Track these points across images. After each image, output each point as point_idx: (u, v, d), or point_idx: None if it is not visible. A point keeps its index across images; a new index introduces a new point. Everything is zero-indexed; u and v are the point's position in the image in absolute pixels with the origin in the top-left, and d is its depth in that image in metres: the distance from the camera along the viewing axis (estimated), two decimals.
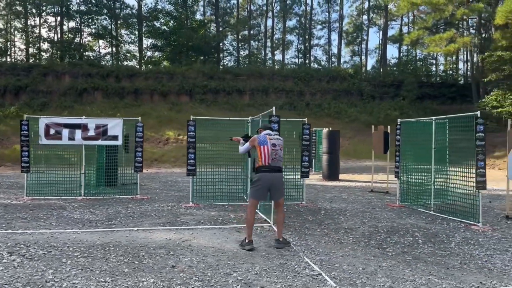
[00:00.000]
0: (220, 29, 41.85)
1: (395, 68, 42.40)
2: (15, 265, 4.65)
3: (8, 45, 37.53)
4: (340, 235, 6.38)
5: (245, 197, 9.53)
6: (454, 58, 41.70)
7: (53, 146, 10.63)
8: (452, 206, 7.98)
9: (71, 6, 38.32)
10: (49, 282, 4.12)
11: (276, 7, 46.09)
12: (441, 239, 6.18)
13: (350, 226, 7.01)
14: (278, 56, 47.48)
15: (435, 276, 4.50)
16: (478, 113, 7.17)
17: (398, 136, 9.54)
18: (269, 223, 7.04)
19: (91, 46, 39.93)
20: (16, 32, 38.38)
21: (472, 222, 7.20)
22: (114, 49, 40.60)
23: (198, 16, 43.27)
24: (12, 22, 37.88)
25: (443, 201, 8.37)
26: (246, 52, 44.62)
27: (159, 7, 40.93)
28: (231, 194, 9.58)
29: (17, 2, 36.62)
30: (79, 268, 4.55)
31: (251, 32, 43.66)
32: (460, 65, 47.85)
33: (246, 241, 5.46)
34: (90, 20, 38.74)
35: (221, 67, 40.51)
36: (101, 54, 40.39)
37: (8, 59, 36.52)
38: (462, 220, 7.45)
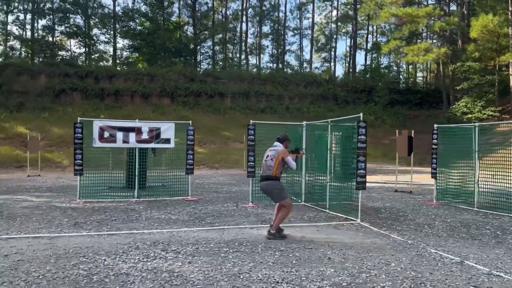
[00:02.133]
0: (197, 32, 41.84)
1: (367, 75, 44.39)
2: (184, 260, 4.89)
3: None
4: (427, 229, 7.07)
5: (295, 198, 10.03)
6: (423, 66, 44.32)
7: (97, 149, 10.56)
8: (495, 203, 8.97)
9: (42, 3, 36.73)
10: (242, 274, 4.44)
11: (250, 12, 46.87)
12: None
13: (425, 222, 7.73)
14: (252, 60, 48.29)
15: None
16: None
17: (435, 140, 10.45)
18: (355, 220, 7.59)
19: (63, 45, 38.47)
20: None
21: None
22: (86, 49, 39.41)
23: (174, 18, 42.98)
24: None
25: (485, 199, 9.35)
26: (222, 55, 44.90)
27: (135, 7, 40.13)
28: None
29: None
30: (256, 261, 4.87)
31: (227, 36, 44.00)
32: (420, 73, 51.27)
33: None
34: (63, 19, 37.30)
35: (198, 69, 40.54)
36: (75, 53, 39.05)
37: None
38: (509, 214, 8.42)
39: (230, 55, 46.24)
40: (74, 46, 39.76)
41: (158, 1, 40.45)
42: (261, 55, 47.31)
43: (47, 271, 4.46)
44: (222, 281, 4.23)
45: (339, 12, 49.41)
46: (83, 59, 38.46)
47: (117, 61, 39.07)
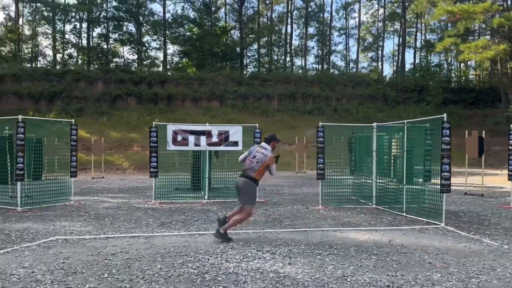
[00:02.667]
0: (244, 36, 42.30)
1: (417, 74, 43.11)
2: (283, 261, 4.97)
3: (36, 51, 37.61)
4: None
5: (365, 201, 9.91)
6: (476, 64, 42.46)
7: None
8: None
9: (97, 12, 38.55)
10: (347, 277, 4.46)
11: (295, 14, 46.80)
12: None
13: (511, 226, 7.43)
14: (297, 62, 48.21)
15: None
16: None
17: None
18: (439, 224, 7.40)
19: (117, 52, 40.14)
20: (43, 38, 38.48)
21: None
22: (138, 55, 40.89)
23: (221, 23, 43.68)
24: (38, 28, 38.06)
25: None
26: (267, 58, 45.12)
27: (184, 13, 41.20)
28: (358, 197, 9.97)
29: (44, 8, 36.83)
30: (355, 264, 4.88)
31: (273, 38, 44.17)
32: (472, 71, 49.06)
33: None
34: (117, 27, 38.94)
35: (245, 72, 41.00)
36: (129, 60, 40.63)
37: (39, 65, 36.61)
38: None
39: (276, 57, 46.40)
40: (127, 53, 41.35)
41: (206, 7, 41.32)
42: (307, 57, 47.05)
43: (159, 269, 4.67)
44: (331, 283, 4.26)
45: (386, 10, 48.38)
46: (136, 65, 39.89)
47: (168, 67, 40.21)
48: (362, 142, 10.69)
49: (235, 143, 10.57)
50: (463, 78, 47.08)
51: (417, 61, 48.26)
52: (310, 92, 36.66)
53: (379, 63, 50.14)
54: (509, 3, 30.84)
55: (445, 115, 7.41)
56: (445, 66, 48.93)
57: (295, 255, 5.30)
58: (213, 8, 41.86)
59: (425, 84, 39.57)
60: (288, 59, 46.40)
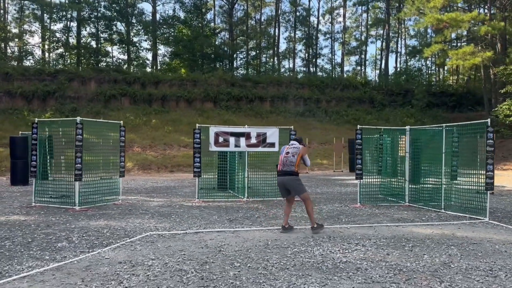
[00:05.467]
0: (235, 38, 42.69)
1: (402, 77, 44.73)
2: (382, 252, 5.52)
3: (25, 49, 36.76)
4: None
5: (395, 199, 10.60)
6: (453, 69, 44.49)
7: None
8: None
9: (88, 11, 38.05)
10: (452, 263, 5.05)
11: (282, 17, 47.54)
12: None
13: None
14: (285, 65, 49.01)
15: None
16: None
17: None
18: (483, 218, 8.13)
19: (107, 52, 39.72)
20: (31, 36, 37.67)
21: None
22: (127, 55, 40.57)
23: (212, 24, 43.91)
24: (24, 26, 37.21)
25: None
26: (257, 61, 45.65)
27: (176, 14, 41.20)
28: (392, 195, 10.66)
29: (34, 6, 36.10)
30: (445, 254, 5.48)
31: (262, 41, 44.73)
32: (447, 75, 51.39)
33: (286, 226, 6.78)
34: (107, 26, 38.56)
35: (236, 74, 41.37)
36: (119, 60, 40.23)
37: (28, 64, 35.79)
38: None
39: (264, 60, 47.01)
40: (118, 53, 40.99)
41: (196, 8, 41.45)
42: (295, 59, 47.88)
43: (277, 259, 5.12)
44: (439, 270, 4.84)
45: (369, 15, 49.89)
46: (126, 65, 39.57)
47: (158, 67, 40.10)
48: (390, 144, 11.42)
49: (272, 144, 11.06)
50: (444, 82, 49.18)
51: (398, 65, 50.09)
52: (301, 94, 37.44)
53: (363, 67, 51.66)
54: (492, 12, 32.52)
55: (489, 120, 8.16)
56: (425, 70, 50.97)
57: (385, 247, 5.85)
58: (203, 10, 42.01)
59: (409, 87, 41.15)
60: (275, 61, 47.11)
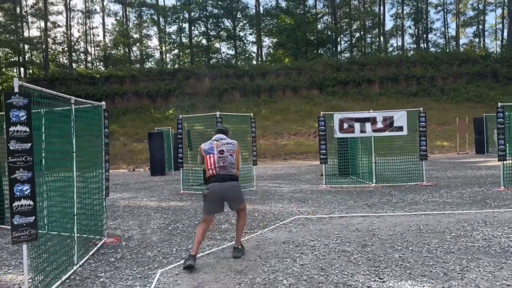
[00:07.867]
0: (338, 20, 41.88)
1: None
2: None
3: (146, 52, 40.78)
4: None
5: None
6: None
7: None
8: None
9: (197, 12, 40.64)
10: None
11: None
12: None
13: None
14: (393, 43, 46.63)
15: None
16: None
17: None
18: None
19: (216, 49, 42.06)
20: (148, 39, 41.51)
21: None
22: (234, 50, 42.46)
23: (313, 10, 43.65)
24: (144, 31, 41.17)
25: None
26: (362, 42, 44.24)
27: (279, 4, 41.83)
28: None
29: (151, 12, 39.74)
30: None
31: (367, 21, 43.15)
32: None
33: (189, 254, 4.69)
34: (215, 24, 40.76)
35: (341, 58, 40.65)
36: (228, 55, 42.34)
37: (147, 66, 39.68)
38: None
39: (369, 40, 45.31)
40: (227, 48, 43.14)
41: None
42: (404, 37, 45.26)
43: (439, 242, 5.10)
44: None
45: None
46: (234, 60, 41.49)
47: (264, 59, 41.24)
48: None
49: (400, 128, 10.76)
50: None
51: None
52: (413, 73, 35.36)
53: (481, 39, 46.71)
54: None
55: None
56: None
57: None
58: None
59: None
60: (382, 41, 45.08)
